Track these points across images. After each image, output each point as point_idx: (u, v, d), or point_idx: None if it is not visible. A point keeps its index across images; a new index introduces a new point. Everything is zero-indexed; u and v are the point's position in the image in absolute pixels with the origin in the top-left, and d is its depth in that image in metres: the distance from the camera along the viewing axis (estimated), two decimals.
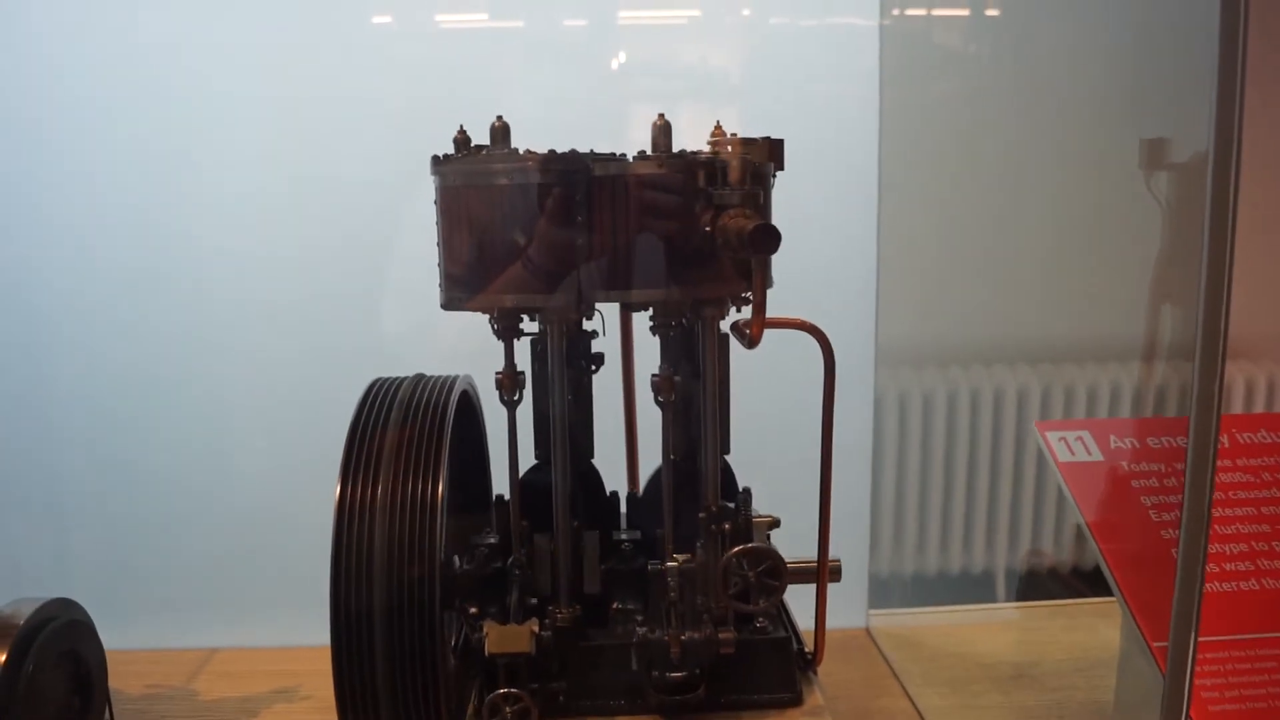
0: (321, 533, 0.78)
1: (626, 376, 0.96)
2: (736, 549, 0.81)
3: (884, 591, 1.44)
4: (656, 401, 0.83)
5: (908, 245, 1.24)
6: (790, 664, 0.87)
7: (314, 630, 0.87)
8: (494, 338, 0.83)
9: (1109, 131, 1.32)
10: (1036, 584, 1.78)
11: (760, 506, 0.89)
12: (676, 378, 0.82)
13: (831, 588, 0.88)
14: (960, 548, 1.76)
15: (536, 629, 0.82)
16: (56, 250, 1.15)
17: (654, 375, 0.83)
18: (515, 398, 0.83)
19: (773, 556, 0.81)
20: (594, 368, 0.89)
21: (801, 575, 0.87)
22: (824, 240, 1.15)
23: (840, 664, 1.15)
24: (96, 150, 1.13)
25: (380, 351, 1.22)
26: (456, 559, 0.87)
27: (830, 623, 0.89)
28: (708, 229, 0.75)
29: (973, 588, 1.75)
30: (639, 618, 0.86)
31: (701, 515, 0.84)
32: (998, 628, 1.28)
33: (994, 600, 1.71)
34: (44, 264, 1.15)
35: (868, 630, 1.27)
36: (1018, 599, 1.71)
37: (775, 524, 0.89)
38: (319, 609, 0.78)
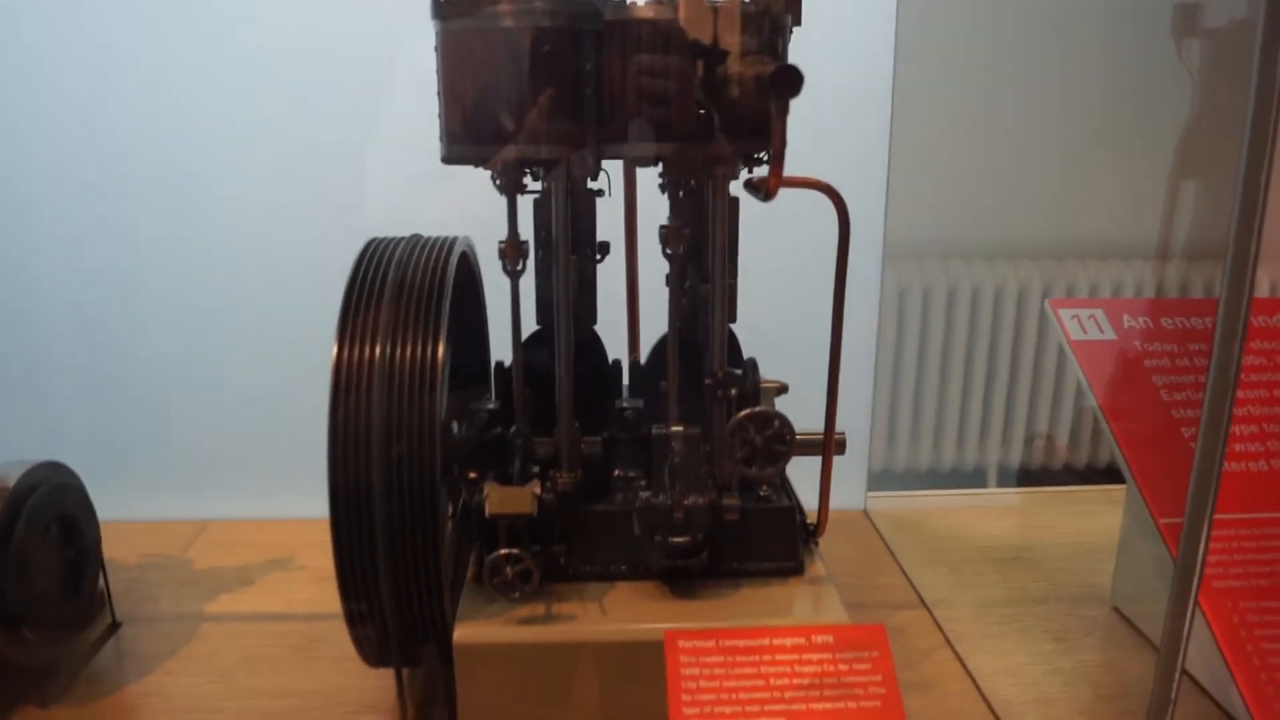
0: (314, 402, 0.76)
1: (629, 239, 0.93)
2: (744, 412, 0.80)
3: (883, 478, 1.48)
4: (665, 254, 0.80)
5: (919, 140, 1.27)
6: (794, 534, 0.86)
7: (307, 503, 0.89)
8: (495, 201, 0.80)
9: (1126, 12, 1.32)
10: (1029, 477, 1.81)
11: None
12: (686, 230, 0.79)
13: (832, 470, 0.88)
14: (956, 439, 1.78)
15: (538, 491, 0.80)
16: (43, 119, 1.14)
17: (662, 226, 0.80)
18: (518, 267, 0.81)
19: (780, 420, 0.80)
20: (599, 257, 0.89)
21: (807, 447, 0.86)
22: (835, 133, 1.13)
23: (839, 542, 1.15)
24: (72, 21, 1.11)
25: (375, 214, 1.15)
26: (455, 424, 0.86)
27: (830, 503, 0.88)
28: (723, 77, 0.70)
29: (970, 478, 1.77)
30: (642, 483, 0.85)
31: (708, 381, 0.82)
32: (996, 512, 1.27)
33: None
34: (31, 132, 1.14)
35: (865, 512, 1.28)
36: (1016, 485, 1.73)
37: (783, 389, 0.87)
38: (311, 481, 0.77)
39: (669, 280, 0.81)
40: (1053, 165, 1.57)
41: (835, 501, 0.88)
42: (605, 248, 0.88)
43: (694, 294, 0.84)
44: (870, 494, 1.29)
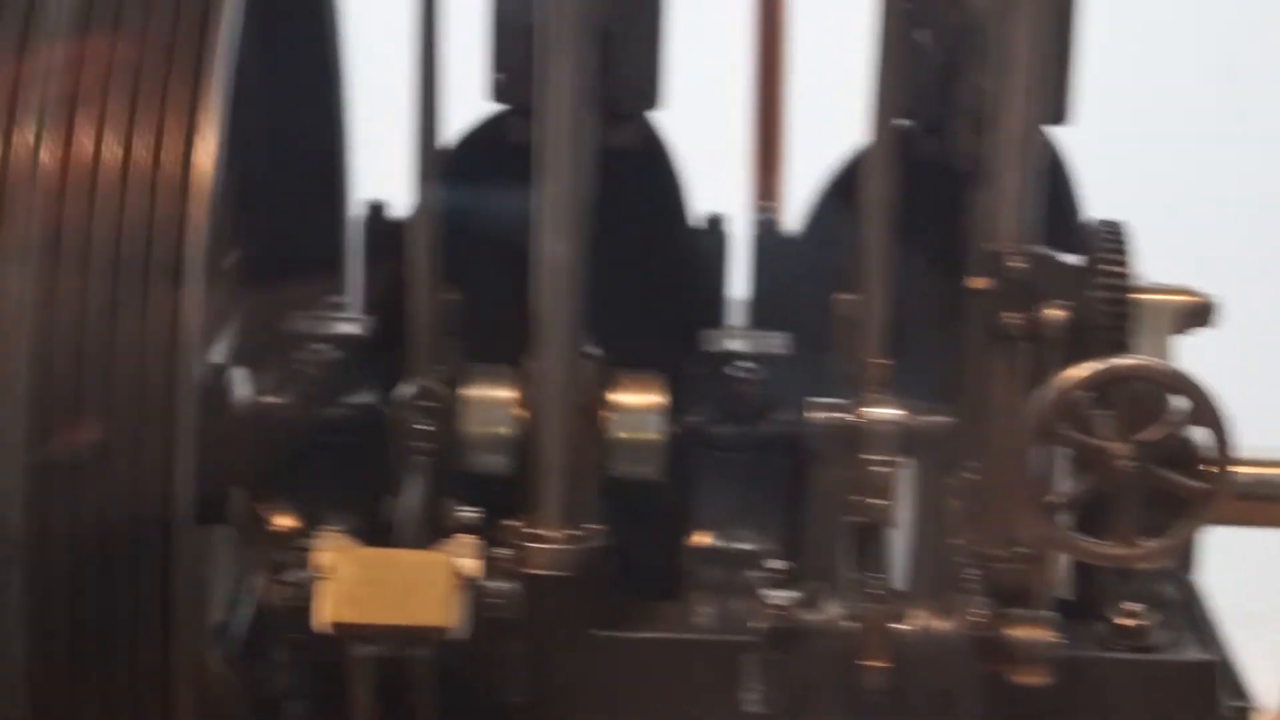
0: None
1: None
2: (1084, 369, 0.78)
3: None
4: None
5: None
6: None
7: None
8: None
9: None
10: None
11: None
12: None
13: None
14: None
15: (472, 567, 0.78)
16: None
17: None
18: None
19: (1197, 401, 0.77)
20: None
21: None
22: None
23: None
24: None
25: None
26: (245, 375, 0.89)
27: None
28: None
29: None
30: (768, 566, 0.85)
31: (973, 280, 0.84)
32: None
33: None
34: None
35: None
36: None
37: (1203, 311, 0.85)
38: None
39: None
40: None
41: None
42: None
43: (947, 45, 0.90)
44: None
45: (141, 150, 0.75)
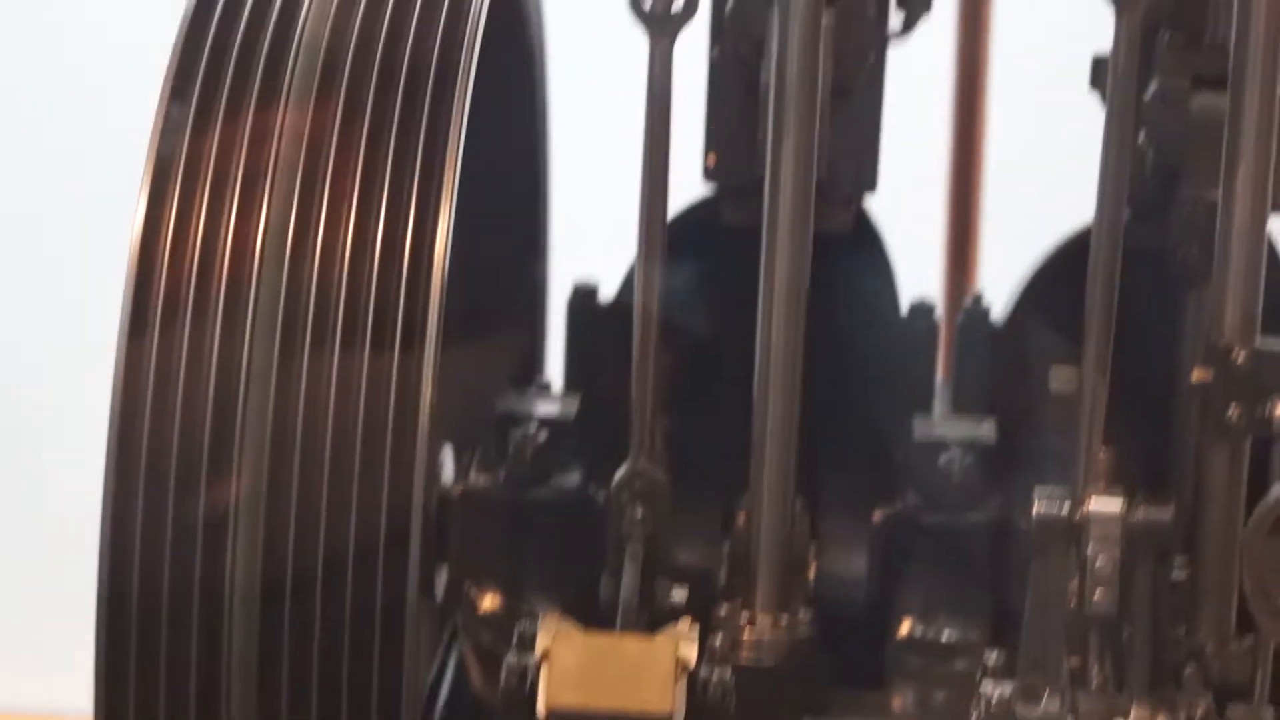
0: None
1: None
2: None
3: None
4: None
5: None
6: None
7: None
8: None
9: None
10: None
11: None
12: None
13: None
14: None
15: (689, 655, 0.77)
16: None
17: None
18: None
19: None
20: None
21: None
22: None
23: None
24: None
25: None
26: (452, 454, 0.90)
27: None
28: None
29: None
30: (983, 657, 0.82)
31: (1197, 374, 0.81)
32: None
33: None
34: None
35: None
36: None
37: None
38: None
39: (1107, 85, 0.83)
40: None
41: None
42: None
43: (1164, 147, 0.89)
44: None
45: (377, 224, 0.77)
